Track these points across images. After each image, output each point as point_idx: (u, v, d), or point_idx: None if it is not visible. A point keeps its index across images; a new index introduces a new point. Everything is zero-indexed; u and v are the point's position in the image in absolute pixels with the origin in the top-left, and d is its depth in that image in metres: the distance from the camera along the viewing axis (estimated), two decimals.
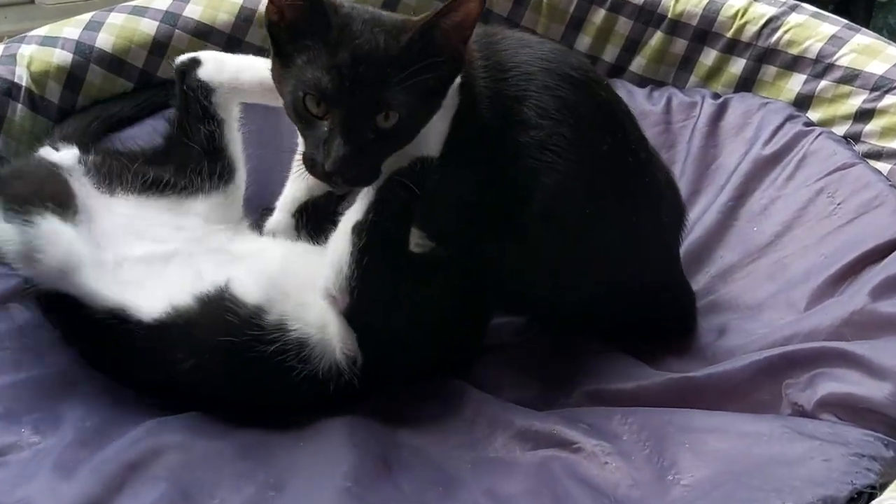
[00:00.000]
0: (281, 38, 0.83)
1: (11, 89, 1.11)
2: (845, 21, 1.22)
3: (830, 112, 1.17)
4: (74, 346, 0.91)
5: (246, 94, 1.00)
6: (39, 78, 1.13)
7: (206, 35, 1.21)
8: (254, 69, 0.98)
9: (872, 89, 1.13)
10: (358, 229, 0.84)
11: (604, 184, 0.91)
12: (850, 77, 1.15)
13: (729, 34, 1.25)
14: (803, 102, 1.20)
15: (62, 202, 0.86)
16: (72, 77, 1.14)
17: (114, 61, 1.17)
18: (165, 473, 0.79)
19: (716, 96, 1.25)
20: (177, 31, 1.19)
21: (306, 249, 0.94)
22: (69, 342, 0.91)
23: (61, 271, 0.84)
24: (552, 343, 1.00)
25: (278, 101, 0.88)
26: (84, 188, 0.93)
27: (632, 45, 1.30)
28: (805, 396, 0.86)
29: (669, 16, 1.27)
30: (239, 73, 0.98)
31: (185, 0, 1.21)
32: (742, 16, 1.24)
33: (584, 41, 1.31)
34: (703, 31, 1.26)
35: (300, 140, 0.95)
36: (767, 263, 1.07)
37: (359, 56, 0.79)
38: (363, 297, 0.85)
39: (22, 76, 1.12)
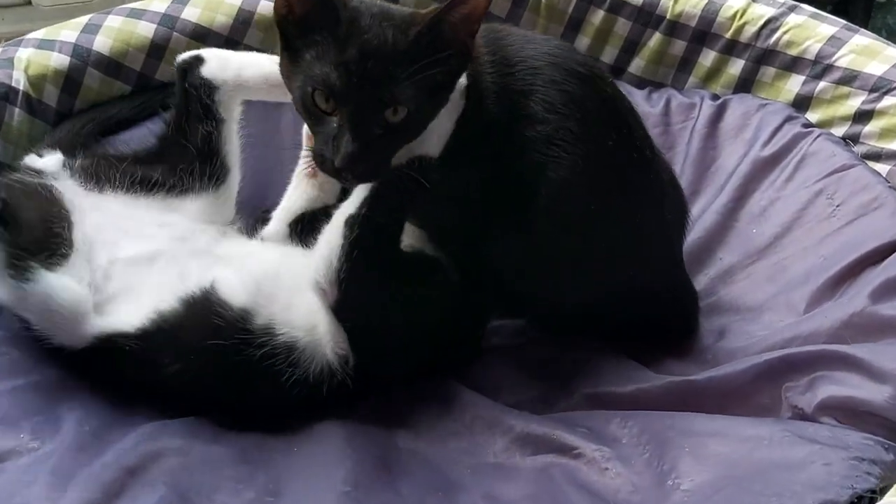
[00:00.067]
0: (290, 32, 0.83)
1: (9, 93, 1.10)
2: (844, 22, 1.22)
3: (829, 113, 1.17)
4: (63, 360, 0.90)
5: (250, 91, 1.00)
6: (37, 81, 1.12)
7: (203, 37, 1.20)
8: (258, 65, 0.98)
9: (871, 90, 1.13)
10: (351, 222, 0.84)
11: (609, 179, 0.91)
12: (849, 78, 1.15)
13: (728, 35, 1.25)
14: (802, 103, 1.20)
15: (56, 239, 0.84)
16: (69, 80, 1.14)
17: (111, 64, 1.17)
18: (164, 478, 0.79)
19: (715, 97, 1.25)
20: (174, 33, 1.19)
21: (294, 253, 0.94)
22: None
23: (71, 321, 0.84)
24: (551, 345, 0.99)
25: (283, 97, 0.88)
26: (71, 189, 0.93)
27: (630, 47, 1.30)
28: (805, 400, 0.86)
29: (668, 17, 1.27)
30: (242, 69, 0.98)
31: (183, 2, 1.21)
32: (741, 17, 1.24)
33: (582, 42, 1.31)
34: (702, 32, 1.26)
35: (304, 142, 0.96)
36: (767, 265, 1.07)
37: (367, 51, 0.79)
38: (351, 290, 0.85)
39: (19, 80, 1.11)
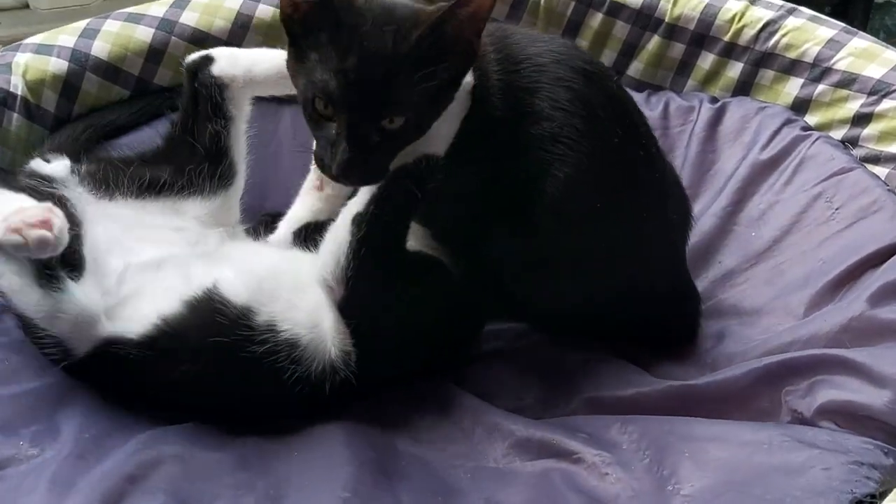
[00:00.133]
0: (295, 31, 0.83)
1: (7, 98, 1.10)
2: (843, 24, 1.22)
3: (828, 116, 1.17)
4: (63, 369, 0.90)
5: (261, 86, 1.00)
6: (35, 86, 1.12)
7: (202, 42, 1.20)
8: (268, 60, 0.99)
9: (870, 93, 1.13)
10: (358, 220, 0.85)
11: (614, 177, 0.91)
12: (848, 81, 1.15)
13: (726, 38, 1.25)
14: (801, 106, 1.20)
15: (73, 248, 0.84)
16: (67, 85, 1.14)
17: (110, 69, 1.17)
18: (164, 485, 0.79)
19: (713, 100, 1.25)
20: (173, 38, 1.19)
21: (297, 253, 0.94)
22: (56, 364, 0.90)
23: (87, 328, 0.84)
24: (551, 349, 0.99)
25: (293, 90, 0.88)
26: (81, 197, 0.93)
27: (629, 50, 1.30)
28: (805, 404, 0.86)
29: (667, 20, 1.27)
30: (253, 65, 0.99)
31: (181, 7, 1.21)
32: (739, 19, 1.24)
33: (581, 45, 1.31)
34: (701, 35, 1.26)
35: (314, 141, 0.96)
36: (766, 269, 1.07)
37: (366, 58, 0.79)
38: (358, 288, 0.85)
39: (17, 85, 1.11)
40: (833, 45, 1.18)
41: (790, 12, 1.23)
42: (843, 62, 1.16)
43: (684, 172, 1.18)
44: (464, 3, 0.79)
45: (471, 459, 0.86)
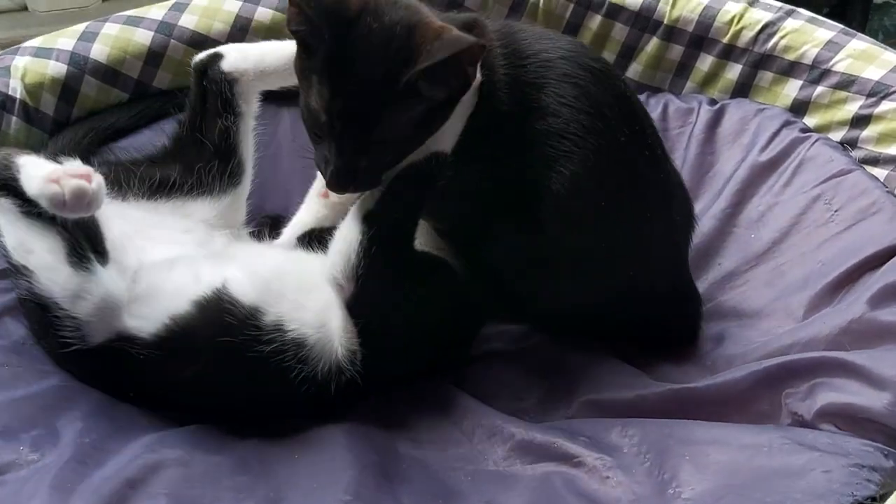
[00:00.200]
0: (302, 42, 0.84)
1: (6, 102, 1.10)
2: (841, 26, 1.22)
3: (827, 118, 1.17)
4: (69, 371, 0.90)
5: (271, 78, 1.01)
6: (34, 90, 1.12)
7: (201, 45, 1.20)
8: (276, 51, 0.99)
9: (869, 95, 1.13)
10: (369, 219, 0.85)
11: (620, 175, 0.91)
12: (847, 83, 1.15)
13: (725, 40, 1.25)
14: (800, 108, 1.20)
15: (97, 241, 0.86)
16: (66, 89, 1.14)
17: (109, 72, 1.16)
18: (165, 490, 0.79)
19: (712, 102, 1.25)
20: (172, 41, 1.19)
21: (302, 255, 0.95)
22: (62, 367, 0.90)
23: (110, 315, 0.85)
24: (552, 351, 0.99)
25: None
26: None
27: (628, 52, 1.30)
28: (805, 406, 0.86)
29: (665, 22, 1.27)
30: (262, 57, 0.99)
31: (181, 10, 1.21)
32: (738, 21, 1.24)
33: None
34: (700, 37, 1.26)
35: None
36: (765, 271, 1.07)
37: (355, 97, 0.81)
38: (368, 286, 0.86)
39: (16, 88, 1.11)
40: (832, 46, 1.18)
41: (789, 14, 1.23)
42: (841, 64, 1.16)
43: (683, 174, 1.17)
44: (461, 50, 0.79)
45: (471, 462, 0.87)
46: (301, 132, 0.95)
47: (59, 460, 0.80)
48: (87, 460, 0.81)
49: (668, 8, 1.27)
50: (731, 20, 1.24)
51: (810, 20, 1.22)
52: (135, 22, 1.19)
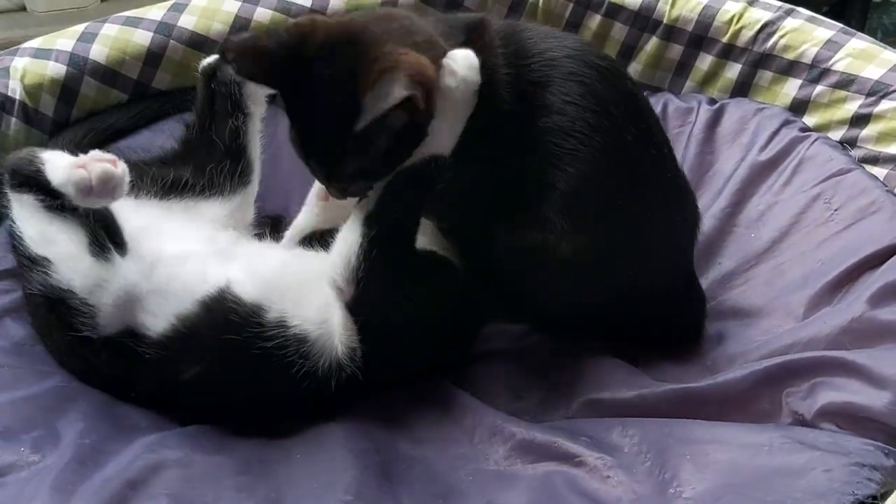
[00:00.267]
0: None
1: (5, 103, 1.11)
2: (840, 25, 1.22)
3: (826, 117, 1.17)
4: (73, 370, 0.91)
5: None
6: (33, 91, 1.12)
7: (200, 45, 1.20)
8: None
9: (868, 94, 1.13)
10: (369, 221, 0.86)
11: (626, 174, 0.91)
12: (846, 82, 1.15)
13: (724, 39, 1.25)
14: (799, 107, 1.20)
15: (117, 228, 0.88)
16: (66, 89, 1.14)
17: (108, 73, 1.17)
18: (166, 490, 0.79)
19: (712, 102, 1.25)
20: (171, 41, 1.19)
21: (304, 253, 0.96)
22: (66, 367, 0.91)
23: (120, 301, 0.86)
24: (552, 351, 0.99)
25: None
26: None
27: (627, 51, 1.30)
28: (805, 405, 0.86)
29: (665, 21, 1.27)
30: None
31: (180, 10, 1.21)
32: (737, 21, 1.24)
33: None
34: (699, 37, 1.26)
35: None
36: (765, 270, 1.07)
37: (316, 139, 0.84)
38: (369, 288, 0.86)
39: (16, 89, 1.12)
40: (831, 45, 1.18)
41: (788, 13, 1.23)
42: (841, 63, 1.16)
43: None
44: (387, 107, 0.78)
45: (472, 461, 0.87)
46: None
47: (59, 461, 0.80)
48: (88, 461, 0.81)
49: (668, 7, 1.27)
50: (731, 19, 1.25)
51: (809, 19, 1.22)
52: (134, 23, 1.19)
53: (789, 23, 1.22)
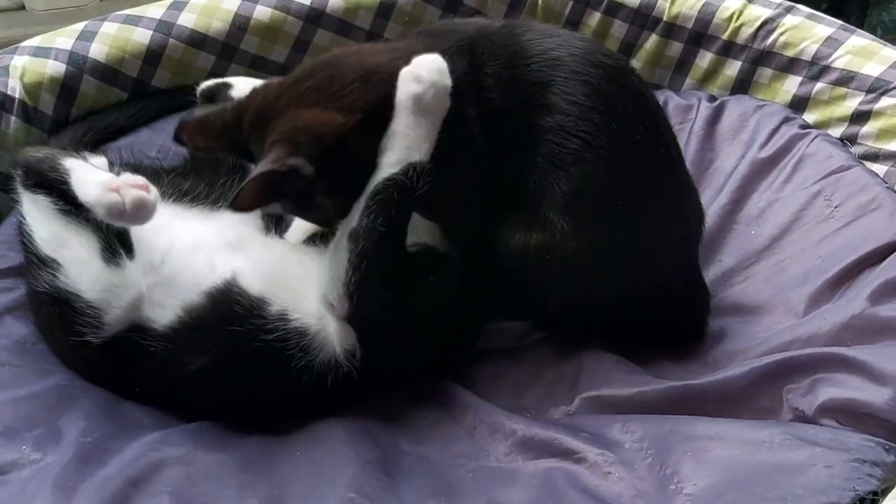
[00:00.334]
0: None
1: (5, 101, 1.10)
2: (840, 22, 1.22)
3: (826, 114, 1.17)
4: (75, 368, 0.91)
5: None
6: (33, 89, 1.12)
7: (200, 44, 1.20)
8: None
9: (868, 91, 1.13)
10: (354, 236, 0.86)
11: (634, 174, 0.91)
12: (846, 79, 1.15)
13: (724, 37, 1.25)
14: (799, 104, 1.20)
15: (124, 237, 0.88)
16: (65, 88, 1.14)
17: (108, 71, 1.16)
18: (168, 488, 0.79)
19: (712, 99, 1.25)
20: (171, 39, 1.19)
21: (306, 249, 0.96)
22: (68, 365, 0.91)
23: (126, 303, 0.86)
24: (553, 348, 0.99)
25: None
26: None
27: (627, 49, 1.30)
28: (806, 402, 0.86)
29: (665, 19, 1.27)
30: None
31: (179, 9, 1.21)
32: (737, 18, 1.24)
33: None
34: (699, 34, 1.26)
35: None
36: (766, 267, 1.07)
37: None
38: (362, 301, 0.86)
39: (15, 88, 1.11)
40: (831, 42, 1.18)
41: (788, 10, 1.23)
42: (841, 60, 1.16)
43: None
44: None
45: (473, 458, 0.87)
46: None
47: (61, 459, 0.80)
48: (90, 459, 0.81)
49: (668, 5, 1.27)
50: (731, 17, 1.25)
51: (809, 16, 1.22)
52: (133, 21, 1.19)
53: (789, 20, 1.22)
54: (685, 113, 1.24)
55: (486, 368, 0.98)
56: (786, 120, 1.18)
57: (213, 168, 1.00)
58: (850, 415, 0.84)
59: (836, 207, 1.06)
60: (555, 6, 1.31)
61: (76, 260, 0.86)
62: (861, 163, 1.10)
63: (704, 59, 1.27)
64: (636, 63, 1.30)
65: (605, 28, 1.30)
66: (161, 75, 1.19)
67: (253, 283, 0.88)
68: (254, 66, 1.24)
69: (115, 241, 0.86)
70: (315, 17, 1.24)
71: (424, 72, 0.86)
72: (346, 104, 0.86)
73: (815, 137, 1.14)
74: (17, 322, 0.95)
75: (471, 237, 0.95)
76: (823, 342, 0.91)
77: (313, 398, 0.89)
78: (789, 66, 1.21)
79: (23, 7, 1.88)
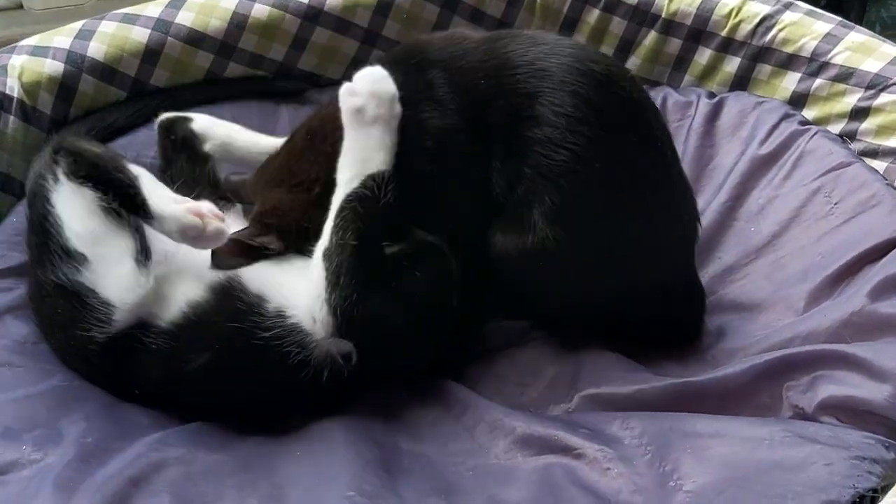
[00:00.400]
0: None
1: (3, 101, 1.10)
2: (839, 18, 1.22)
3: (826, 110, 1.17)
4: (76, 367, 0.91)
5: (235, 156, 1.05)
6: (31, 89, 1.12)
7: (198, 42, 1.20)
8: (247, 137, 1.05)
9: (867, 87, 1.13)
10: (328, 254, 0.87)
11: (624, 184, 0.91)
12: (845, 75, 1.15)
13: (723, 33, 1.25)
14: (798, 101, 1.20)
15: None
16: (64, 87, 1.14)
17: (106, 70, 1.16)
18: (168, 488, 0.80)
19: (711, 95, 1.25)
20: (169, 38, 1.19)
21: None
22: (69, 364, 0.91)
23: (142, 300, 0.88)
24: (551, 346, 0.99)
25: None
26: None
27: (626, 46, 1.29)
28: (806, 399, 0.86)
29: (663, 15, 1.27)
30: (231, 134, 1.05)
31: (177, 7, 1.20)
32: (736, 14, 1.24)
33: (577, 42, 1.31)
34: (698, 31, 1.26)
35: None
36: (765, 264, 1.07)
37: None
38: (345, 315, 0.87)
39: (13, 87, 1.11)
40: (830, 39, 1.18)
41: (787, 7, 1.23)
42: (840, 56, 1.16)
43: (683, 168, 1.18)
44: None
45: (473, 456, 0.87)
46: None
47: (61, 459, 0.80)
48: (90, 459, 0.81)
49: (666, 1, 1.27)
50: (729, 13, 1.24)
51: (808, 13, 1.22)
52: (131, 19, 1.19)
53: (788, 16, 1.22)
54: (684, 110, 1.23)
55: (486, 367, 0.98)
56: (785, 116, 1.18)
57: (193, 192, 1.00)
58: (850, 412, 0.84)
59: (835, 204, 1.06)
60: (553, 4, 1.31)
61: (107, 258, 0.86)
62: (860, 159, 1.10)
63: (703, 55, 1.27)
64: (635, 60, 1.30)
65: (603, 25, 1.30)
66: (159, 74, 1.19)
67: (252, 280, 0.89)
68: (252, 65, 1.24)
69: (148, 242, 0.88)
70: (313, 15, 1.24)
71: (360, 84, 0.88)
72: (305, 181, 0.92)
73: (815, 134, 1.14)
74: (18, 322, 0.95)
75: (464, 243, 0.94)
76: (823, 339, 0.91)
77: (311, 394, 0.89)
78: (788, 62, 1.21)
79: (21, 6, 1.88)
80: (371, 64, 0.92)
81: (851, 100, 1.14)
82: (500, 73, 0.90)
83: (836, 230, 1.04)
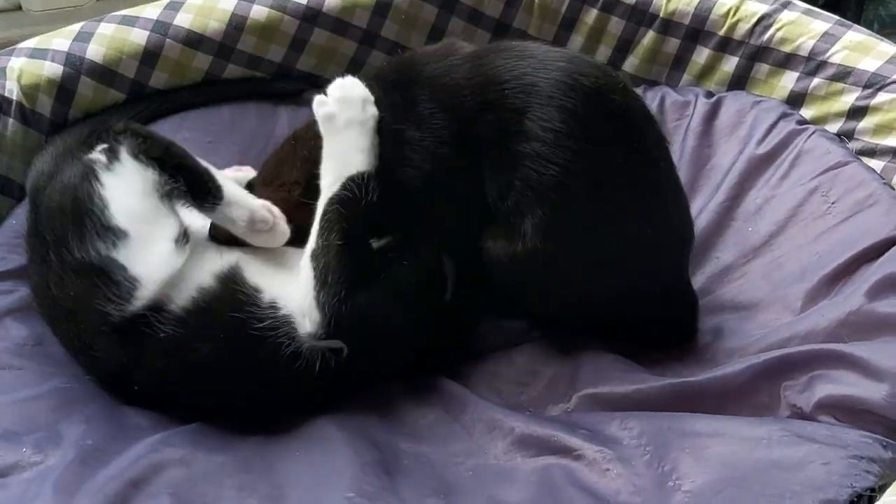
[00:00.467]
0: None
1: (2, 103, 1.10)
2: (837, 18, 1.22)
3: (823, 110, 1.17)
4: (81, 358, 0.91)
5: None
6: (30, 91, 1.12)
7: (197, 44, 1.20)
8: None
9: (865, 86, 1.13)
10: (315, 255, 0.89)
11: (615, 198, 0.90)
12: (843, 74, 1.15)
13: (721, 32, 1.25)
14: (796, 100, 1.20)
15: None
16: (63, 89, 1.14)
17: (105, 72, 1.16)
18: (168, 489, 0.80)
19: (709, 95, 1.25)
20: (167, 40, 1.19)
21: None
22: (74, 355, 0.91)
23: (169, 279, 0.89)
24: (549, 346, 0.99)
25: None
26: None
27: (624, 45, 1.30)
28: (803, 398, 0.87)
29: (661, 15, 1.27)
30: None
31: (176, 9, 1.21)
32: (734, 14, 1.24)
33: (576, 42, 1.31)
34: (696, 30, 1.26)
35: None
36: (763, 263, 1.07)
37: None
38: (335, 312, 0.88)
39: (12, 90, 1.11)
40: (828, 38, 1.18)
41: (784, 6, 1.23)
42: (838, 55, 1.16)
43: (681, 168, 1.17)
44: None
45: (472, 456, 0.87)
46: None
47: (62, 462, 0.80)
48: (91, 461, 0.81)
49: (664, 1, 1.27)
50: (727, 13, 1.24)
51: (806, 12, 1.22)
52: (130, 21, 1.19)
53: (786, 15, 1.22)
54: (682, 109, 1.24)
55: (485, 367, 0.98)
56: (783, 116, 1.18)
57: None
58: (848, 411, 0.84)
59: (833, 203, 1.06)
60: (551, 3, 1.31)
61: (148, 237, 0.88)
62: (858, 158, 1.10)
63: (701, 55, 1.27)
64: (633, 59, 1.30)
65: (601, 25, 1.30)
66: (158, 76, 1.19)
67: (250, 272, 0.91)
68: (251, 66, 1.24)
69: (186, 229, 0.90)
70: (312, 17, 1.24)
71: (330, 91, 0.92)
72: (287, 182, 0.96)
73: (813, 133, 1.14)
74: (18, 324, 0.95)
75: (457, 250, 0.95)
76: (821, 339, 0.91)
77: (305, 387, 0.89)
78: (786, 61, 1.21)
79: (19, 8, 1.88)
80: (359, 78, 0.94)
81: (849, 99, 1.14)
82: (487, 90, 0.90)
83: (834, 229, 1.04)
